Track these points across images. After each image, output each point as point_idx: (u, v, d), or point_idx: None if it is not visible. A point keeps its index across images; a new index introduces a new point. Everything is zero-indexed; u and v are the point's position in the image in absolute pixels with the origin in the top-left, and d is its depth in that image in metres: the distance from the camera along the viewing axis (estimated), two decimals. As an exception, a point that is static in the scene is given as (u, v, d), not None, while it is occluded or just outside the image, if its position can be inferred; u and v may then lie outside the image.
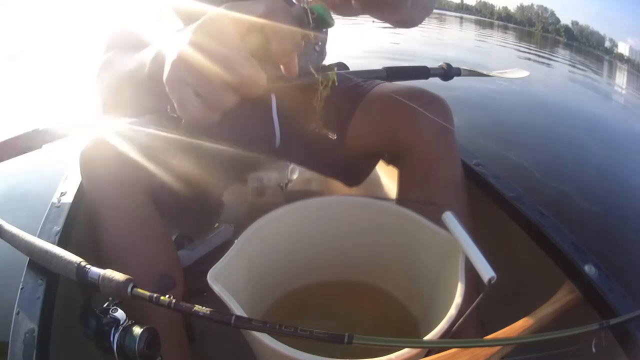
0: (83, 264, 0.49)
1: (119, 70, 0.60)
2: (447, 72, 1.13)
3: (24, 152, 0.76)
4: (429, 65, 1.13)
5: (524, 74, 1.38)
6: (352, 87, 0.82)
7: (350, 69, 0.99)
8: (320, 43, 0.44)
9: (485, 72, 1.28)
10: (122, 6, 0.72)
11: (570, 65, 6.74)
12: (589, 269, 0.65)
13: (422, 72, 1.09)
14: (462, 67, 1.20)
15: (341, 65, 0.92)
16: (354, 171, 0.87)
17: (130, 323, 0.44)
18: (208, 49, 0.37)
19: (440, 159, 0.72)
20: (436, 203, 0.64)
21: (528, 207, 0.77)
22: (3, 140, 0.75)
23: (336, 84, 0.46)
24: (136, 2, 0.71)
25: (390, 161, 0.92)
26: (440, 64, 1.14)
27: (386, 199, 0.76)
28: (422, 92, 0.75)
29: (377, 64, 1.06)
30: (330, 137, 0.50)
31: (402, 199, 0.74)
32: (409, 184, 0.76)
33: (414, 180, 0.74)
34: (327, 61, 0.91)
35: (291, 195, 1.09)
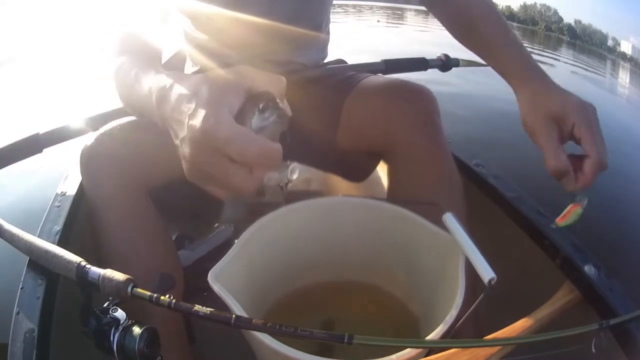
0: (83, 263, 0.49)
1: (131, 87, 0.60)
2: (446, 63, 1.11)
3: (25, 158, 0.76)
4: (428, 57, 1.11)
5: None
6: (344, 80, 0.80)
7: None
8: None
9: (484, 63, 1.26)
10: (127, 7, 0.72)
11: (573, 63, 6.72)
12: (588, 269, 0.65)
13: (420, 64, 1.06)
14: (461, 58, 1.18)
15: (340, 62, 0.92)
16: (353, 166, 0.86)
17: (130, 323, 0.44)
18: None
19: (426, 152, 0.69)
20: (438, 203, 0.63)
21: (528, 207, 0.77)
22: (3, 146, 0.74)
23: None
24: (141, 3, 0.71)
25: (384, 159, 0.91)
26: (438, 55, 1.12)
27: (386, 199, 0.76)
28: (404, 84, 0.73)
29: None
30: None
31: (394, 197, 0.71)
32: (395, 181, 0.74)
33: (400, 176, 0.72)
34: (327, 58, 0.90)
35: (291, 196, 1.09)
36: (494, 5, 0.72)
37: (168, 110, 0.43)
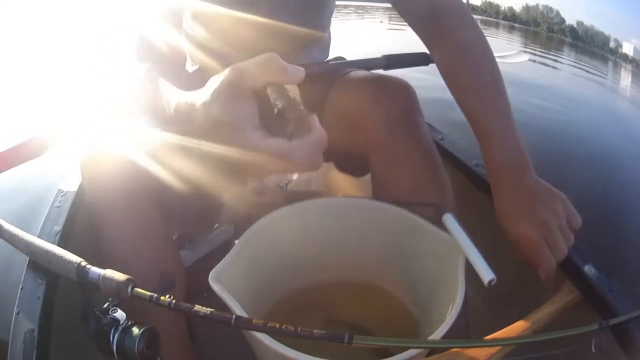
0: (83, 263, 0.49)
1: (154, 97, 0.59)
2: None
3: (24, 162, 0.76)
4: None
5: (523, 58, 1.39)
6: (327, 75, 0.78)
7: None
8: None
9: None
10: (130, 7, 0.72)
11: (574, 65, 6.72)
12: (588, 269, 0.65)
13: (422, 59, 1.03)
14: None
15: (339, 59, 0.92)
16: (348, 162, 0.84)
17: (130, 323, 0.44)
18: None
19: (403, 153, 0.66)
20: (437, 204, 0.63)
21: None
22: (3, 151, 0.74)
23: None
24: (155, 7, 0.71)
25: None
26: None
27: (387, 201, 0.76)
28: (380, 78, 0.70)
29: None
30: None
31: (394, 199, 0.67)
32: (376, 184, 0.71)
33: (380, 178, 0.70)
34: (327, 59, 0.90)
35: (291, 196, 1.09)
36: (492, 75, 0.66)
37: (205, 143, 0.45)
